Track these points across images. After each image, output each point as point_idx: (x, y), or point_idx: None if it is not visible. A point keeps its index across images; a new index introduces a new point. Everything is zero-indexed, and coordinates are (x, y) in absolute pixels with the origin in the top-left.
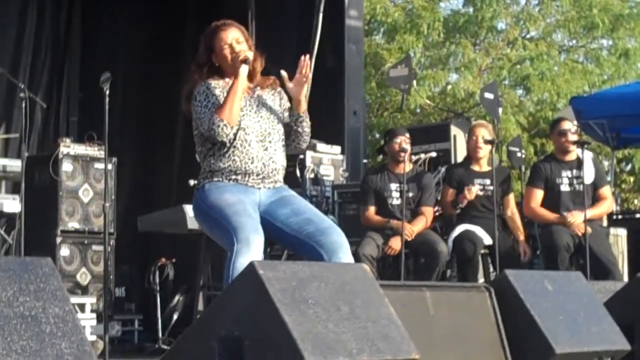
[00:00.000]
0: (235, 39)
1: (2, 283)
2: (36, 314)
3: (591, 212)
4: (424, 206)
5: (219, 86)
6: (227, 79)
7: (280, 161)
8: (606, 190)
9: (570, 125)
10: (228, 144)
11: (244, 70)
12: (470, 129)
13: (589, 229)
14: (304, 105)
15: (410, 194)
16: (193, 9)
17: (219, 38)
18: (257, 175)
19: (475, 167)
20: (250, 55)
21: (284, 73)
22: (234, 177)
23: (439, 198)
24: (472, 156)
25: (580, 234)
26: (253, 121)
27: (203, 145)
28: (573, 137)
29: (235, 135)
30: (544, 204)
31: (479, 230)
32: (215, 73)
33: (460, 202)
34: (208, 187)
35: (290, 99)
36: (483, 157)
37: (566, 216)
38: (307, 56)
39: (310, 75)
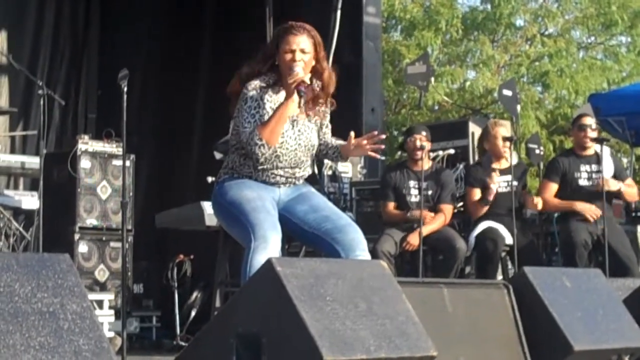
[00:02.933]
0: (301, 48)
1: (21, 279)
2: (54, 310)
3: (623, 186)
4: (443, 204)
5: (272, 100)
6: (281, 92)
7: (305, 175)
8: (629, 182)
9: (590, 121)
10: (257, 163)
11: (295, 97)
12: (487, 129)
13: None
14: (348, 158)
15: (429, 192)
16: (212, 5)
17: (285, 40)
18: (279, 183)
19: (496, 165)
20: (306, 79)
21: (352, 134)
22: (254, 178)
23: (458, 195)
24: (492, 154)
25: (594, 218)
26: (290, 150)
27: (237, 140)
28: (592, 134)
29: (266, 159)
30: (562, 197)
31: (501, 229)
32: (275, 70)
33: (488, 196)
34: (228, 182)
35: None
36: (507, 155)
37: (586, 208)
38: (383, 135)
39: (372, 152)
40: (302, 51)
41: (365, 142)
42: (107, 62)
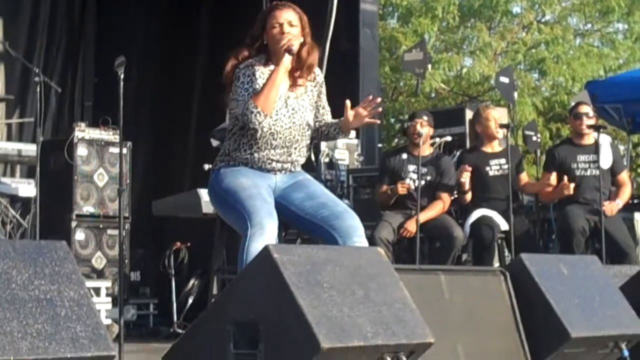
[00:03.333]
0: (289, 21)
1: (18, 266)
2: (51, 297)
3: (621, 202)
4: (442, 191)
5: (263, 75)
6: (272, 66)
7: (301, 160)
8: (624, 176)
9: (587, 110)
10: (253, 141)
11: (286, 60)
12: (479, 112)
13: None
14: (351, 131)
15: (428, 177)
16: None
17: (272, 16)
18: (275, 169)
19: (488, 149)
20: (295, 44)
21: (348, 103)
22: (250, 165)
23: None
24: (485, 138)
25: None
26: (284, 127)
27: (234, 124)
28: (589, 122)
29: (262, 136)
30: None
31: (495, 216)
32: (264, 51)
33: (463, 189)
34: (224, 170)
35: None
36: (501, 138)
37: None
38: (379, 99)
39: (369, 116)
40: (290, 24)
41: (361, 109)
42: (104, 49)
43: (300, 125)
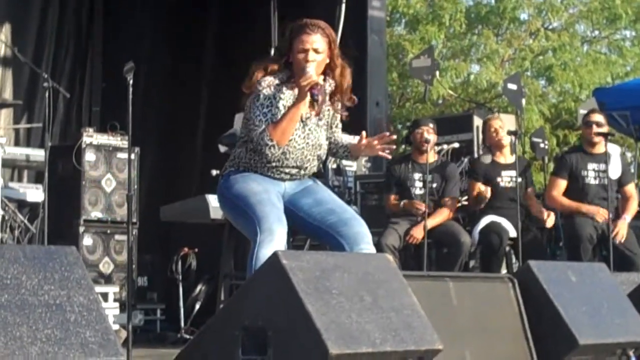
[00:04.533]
0: (315, 48)
1: (28, 271)
2: (61, 303)
3: (629, 217)
4: (447, 197)
5: (285, 98)
6: (296, 90)
7: (311, 172)
8: (631, 188)
9: (599, 118)
10: (264, 159)
11: (307, 99)
12: (485, 122)
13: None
14: (359, 157)
15: (434, 185)
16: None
17: (299, 40)
18: (284, 179)
19: (500, 159)
20: (320, 81)
21: (363, 133)
22: (259, 173)
23: (462, 189)
24: (494, 148)
25: (603, 219)
26: (297, 148)
27: (246, 134)
28: (599, 130)
29: (273, 156)
30: (568, 195)
31: (504, 222)
32: (288, 67)
33: (486, 193)
34: (233, 175)
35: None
36: (506, 146)
37: (594, 210)
38: (394, 136)
39: (382, 152)
40: (316, 51)
41: (375, 142)
42: (112, 54)
43: (313, 146)
